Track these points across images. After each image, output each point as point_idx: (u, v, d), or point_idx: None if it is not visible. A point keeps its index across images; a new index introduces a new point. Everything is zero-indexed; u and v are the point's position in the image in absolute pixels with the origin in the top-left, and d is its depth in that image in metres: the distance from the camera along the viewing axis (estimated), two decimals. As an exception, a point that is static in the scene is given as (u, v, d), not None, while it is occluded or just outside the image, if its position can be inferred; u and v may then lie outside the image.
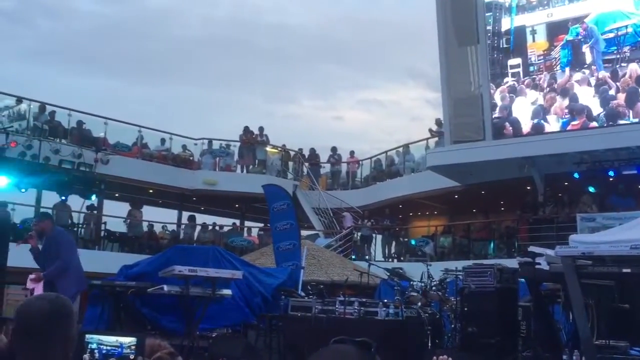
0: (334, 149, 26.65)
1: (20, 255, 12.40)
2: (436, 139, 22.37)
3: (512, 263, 10.12)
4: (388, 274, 11.86)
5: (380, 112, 58.75)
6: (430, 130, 23.10)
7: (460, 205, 23.29)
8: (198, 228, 24.01)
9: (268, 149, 25.58)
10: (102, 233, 22.20)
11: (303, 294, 12.20)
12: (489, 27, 19.08)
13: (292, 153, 26.56)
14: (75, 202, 21.09)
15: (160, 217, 24.66)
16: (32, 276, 8.87)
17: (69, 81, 49.75)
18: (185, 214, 25.44)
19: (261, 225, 25.64)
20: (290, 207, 14.39)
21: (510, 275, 9.26)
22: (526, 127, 18.55)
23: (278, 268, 13.65)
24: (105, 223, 22.30)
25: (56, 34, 51.71)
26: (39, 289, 8.73)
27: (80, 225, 21.62)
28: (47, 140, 19.96)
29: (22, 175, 18.85)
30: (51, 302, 2.73)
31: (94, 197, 21.06)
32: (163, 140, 24.34)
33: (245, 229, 25.27)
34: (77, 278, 9.11)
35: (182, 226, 24.62)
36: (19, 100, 20.40)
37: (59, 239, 9.07)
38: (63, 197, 20.04)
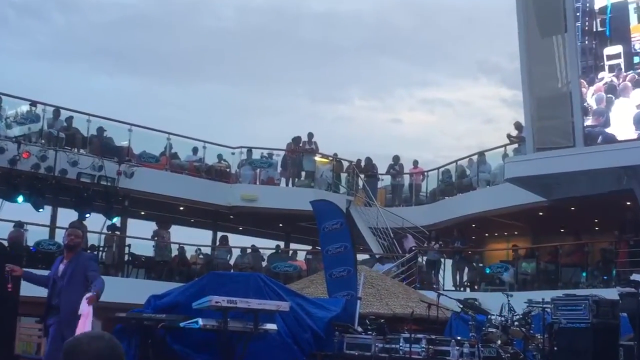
0: (395, 159, 26.66)
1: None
2: (515, 145, 22.16)
3: (611, 294, 9.97)
4: (460, 306, 11.78)
5: (446, 113, 58.44)
6: (509, 136, 22.89)
7: (546, 224, 22.98)
8: (236, 251, 24.22)
9: (317, 158, 25.72)
10: (126, 257, 22.60)
11: (360, 329, 12.19)
12: (578, 4, 17.78)
13: (345, 163, 26.64)
14: (95, 222, 21.53)
15: (192, 239, 25.03)
16: (87, 297, 8.38)
17: (88, 82, 50.73)
18: (220, 235, 25.72)
19: (309, 248, 25.68)
20: (344, 226, 14.40)
21: (609, 308, 9.13)
22: (628, 135, 17.31)
23: (330, 299, 13.67)
24: (129, 245, 22.72)
25: (73, 29, 52.74)
26: (88, 318, 8.64)
27: (101, 248, 22.03)
28: (63, 150, 20.42)
29: (36, 192, 19.33)
30: (108, 344, 2.73)
31: (116, 219, 21.58)
32: (195, 150, 24.66)
33: (291, 252, 25.39)
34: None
35: (217, 249, 24.89)
36: (33, 104, 20.86)
37: (92, 261, 9.07)
38: (85, 215, 20.47)
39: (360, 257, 21.72)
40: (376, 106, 59.85)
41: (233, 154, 25.50)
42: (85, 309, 8.41)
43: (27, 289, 13.64)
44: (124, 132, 22.53)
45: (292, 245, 27.20)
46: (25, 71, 46.09)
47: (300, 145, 25.48)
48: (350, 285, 13.89)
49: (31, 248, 19.67)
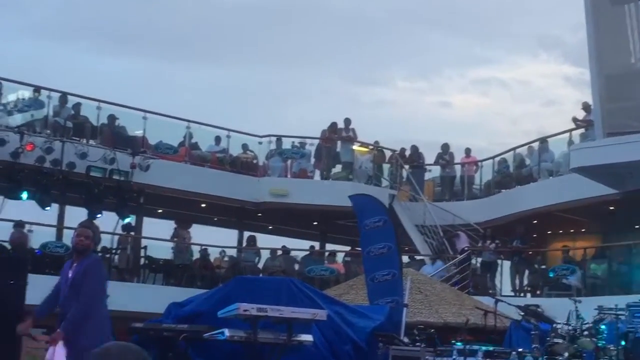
0: (445, 147, 26.53)
1: (39, 289, 12.76)
2: (582, 130, 21.96)
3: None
4: (521, 313, 11.69)
5: (501, 95, 58.13)
6: (575, 119, 22.69)
7: (618, 220, 22.74)
8: (265, 253, 24.28)
9: (355, 147, 25.70)
10: (142, 260, 22.76)
11: (407, 340, 12.16)
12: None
13: (387, 153, 26.60)
14: (107, 221, 21.68)
15: (215, 239, 25.10)
16: (47, 339, 8.61)
17: (93, 63, 51.05)
18: (247, 235, 25.82)
19: (348, 248, 25.68)
20: (387, 224, 14.36)
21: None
22: None
23: (373, 306, 13.65)
24: (145, 247, 22.85)
25: (71, 2, 52.69)
26: (60, 353, 8.65)
27: (114, 251, 22.21)
28: (71, 141, 20.59)
29: (42, 188, 19.51)
30: (137, 356, 2.74)
31: (130, 218, 21.69)
32: (218, 139, 24.77)
33: (327, 253, 25.40)
34: (101, 327, 8.96)
35: (244, 251, 24.97)
36: (36, 89, 21.07)
37: (91, 269, 8.97)
38: (96, 214, 20.62)
39: (406, 258, 21.72)
40: (422, 88, 59.66)
41: (260, 143, 25.57)
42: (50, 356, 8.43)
43: (33, 298, 13.79)
44: (138, 120, 22.65)
45: (329, 246, 27.20)
46: (23, 52, 46.53)
47: (337, 132, 25.46)
48: (395, 291, 13.86)
49: (36, 251, 19.84)
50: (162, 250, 23.35)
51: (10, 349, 11.94)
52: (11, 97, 20.97)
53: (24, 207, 20.01)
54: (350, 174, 25.21)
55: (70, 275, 8.78)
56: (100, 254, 19.90)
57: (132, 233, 22.51)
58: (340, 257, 24.83)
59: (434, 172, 27.01)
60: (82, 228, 9.14)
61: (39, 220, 20.82)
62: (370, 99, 58.68)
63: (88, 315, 8.54)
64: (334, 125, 25.55)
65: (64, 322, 8.49)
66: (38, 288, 13.30)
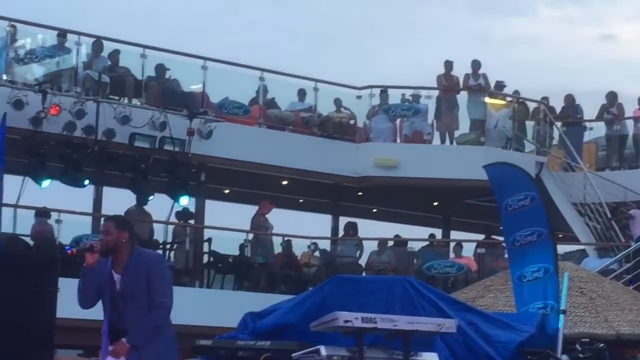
0: (611, 96, 26.15)
1: (72, 297, 12.96)
2: None
3: None
4: None
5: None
6: None
7: None
8: (369, 245, 24.34)
9: (488, 100, 25.51)
10: (206, 258, 22.97)
11: (566, 358, 12.03)
12: None
13: (531, 106, 26.33)
14: (158, 206, 21.90)
15: (302, 228, 25.21)
16: (110, 348, 8.93)
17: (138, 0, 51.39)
18: (345, 221, 25.87)
19: (481, 237, 25.49)
20: (537, 203, 14.17)
21: None
22: None
23: (519, 313, 13.61)
24: (209, 240, 23.00)
25: None
26: None
27: (169, 247, 22.48)
28: (108, 102, 20.80)
29: (72, 165, 19.74)
30: None
31: (187, 200, 21.78)
32: (302, 93, 24.85)
33: (453, 244, 25.25)
34: (173, 340, 9.31)
35: (341, 243, 25.05)
36: (61, 34, 21.25)
37: (155, 268, 9.22)
38: (146, 198, 20.82)
39: (563, 248, 21.43)
40: (575, 17, 58.99)
41: (359, 97, 25.53)
42: None
43: (66, 308, 14.09)
44: (195, 71, 22.74)
45: (455, 234, 27.10)
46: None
47: (454, 80, 25.35)
48: (548, 293, 13.72)
49: (66, 248, 19.96)
50: (231, 243, 23.45)
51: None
52: (29, 45, 21.17)
53: (49, 190, 20.25)
54: (481, 136, 25.03)
55: (117, 282, 9.05)
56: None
57: (192, 221, 22.73)
58: (469, 248, 24.64)
59: (596, 130, 26.66)
60: (105, 222, 9.47)
61: (69, 207, 21.18)
62: (503, 34, 58.16)
63: (159, 329, 8.94)
64: (449, 65, 25.37)
65: (132, 333, 8.85)
66: (70, 296, 13.59)
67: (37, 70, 21.08)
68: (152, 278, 8.99)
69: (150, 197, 21.05)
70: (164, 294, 9.01)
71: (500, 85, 25.88)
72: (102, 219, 21.05)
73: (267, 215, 23.90)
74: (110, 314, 9.17)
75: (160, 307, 8.96)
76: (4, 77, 20.23)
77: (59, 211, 20.51)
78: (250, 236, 23.43)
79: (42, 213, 20.38)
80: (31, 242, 19.68)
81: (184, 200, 21.70)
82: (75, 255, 9.81)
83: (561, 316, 13.35)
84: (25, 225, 20.09)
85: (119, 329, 9.06)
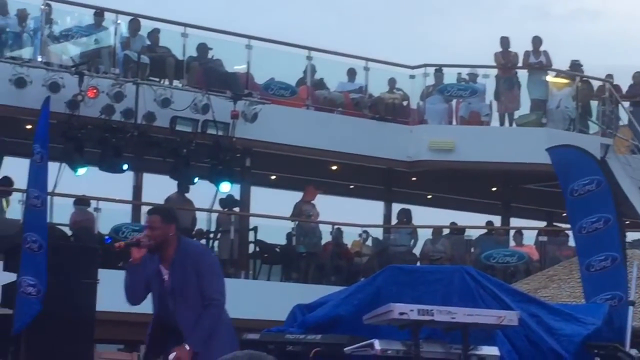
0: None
1: (112, 290, 13.06)
2: None
3: None
4: None
5: None
6: None
7: None
8: (424, 233, 24.35)
9: (550, 78, 25.44)
10: (252, 248, 23.07)
11: (636, 352, 11.98)
12: None
13: (595, 84, 26.18)
14: (201, 193, 21.96)
15: (353, 216, 25.17)
16: (172, 356, 8.97)
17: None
18: (398, 208, 25.88)
19: (543, 224, 25.36)
20: (603, 187, 14.10)
21: None
22: None
23: (584, 305, 13.60)
24: (255, 229, 23.09)
25: None
26: None
27: (212, 236, 22.62)
28: (148, 84, 20.91)
29: (110, 150, 19.84)
30: None
31: (231, 187, 21.78)
32: (352, 73, 24.82)
33: (513, 232, 25.21)
34: (231, 334, 9.38)
35: (394, 231, 25.09)
36: (98, 12, 21.34)
37: (203, 262, 9.24)
38: (187, 185, 20.86)
39: (630, 236, 21.22)
40: (644, -13, 58.17)
41: (413, 77, 25.45)
42: None
43: (106, 301, 14.22)
44: (239, 50, 22.78)
45: (515, 222, 26.97)
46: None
47: (510, 56, 25.22)
48: (617, 283, 13.66)
49: (105, 238, 20.11)
50: (278, 232, 23.55)
51: (82, 358, 12.37)
52: (64, 24, 21.26)
53: (87, 177, 20.38)
54: (543, 116, 24.91)
55: (165, 277, 9.10)
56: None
57: (237, 209, 22.80)
58: (530, 236, 24.61)
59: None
60: (150, 216, 9.47)
61: (108, 195, 21.32)
62: (564, 8, 57.71)
63: (216, 326, 9.06)
64: (505, 42, 25.27)
65: (190, 338, 8.94)
66: (110, 288, 13.73)
67: (73, 50, 21.16)
68: (201, 273, 9.06)
69: (195, 180, 21.02)
70: (214, 290, 9.08)
71: (576, 65, 25.72)
72: (143, 207, 21.40)
73: (313, 202, 23.95)
74: (159, 310, 9.25)
75: (212, 305, 9.04)
76: (39, 58, 20.38)
77: (98, 199, 20.63)
78: (296, 224, 23.58)
79: (82, 201, 20.53)
80: (69, 232, 19.83)
81: (225, 187, 21.59)
82: (122, 250, 9.82)
83: (630, 308, 13.28)
84: (62, 214, 20.18)
85: (169, 326, 9.16)
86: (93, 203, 20.60)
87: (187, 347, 8.90)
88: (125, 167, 20.53)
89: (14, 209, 19.57)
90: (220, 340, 9.08)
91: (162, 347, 9.22)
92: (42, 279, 13.22)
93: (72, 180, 20.44)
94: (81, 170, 19.88)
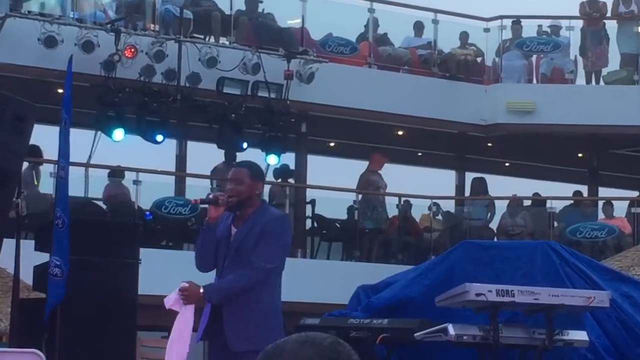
0: None
1: (153, 271, 13.11)
2: None
3: None
4: None
5: None
6: None
7: None
8: (501, 205, 24.31)
9: (643, 30, 25.20)
10: (309, 223, 23.17)
11: None
12: None
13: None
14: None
15: (422, 187, 25.13)
16: (183, 285, 9.05)
17: None
18: (472, 177, 25.89)
19: (635, 194, 25.23)
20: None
21: None
22: None
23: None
24: (312, 202, 23.12)
25: None
26: (185, 319, 9.04)
27: (265, 209, 22.59)
28: (191, 41, 20.93)
29: (151, 116, 19.89)
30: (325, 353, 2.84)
31: (272, 157, 21.75)
32: (419, 27, 24.76)
33: (601, 203, 25.07)
34: (278, 317, 9.33)
35: (467, 204, 25.05)
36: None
37: (271, 227, 9.18)
38: (234, 153, 20.86)
39: None
40: None
41: (487, 30, 25.42)
42: (171, 304, 9.04)
43: (148, 285, 14.30)
44: (293, 3, 22.84)
45: (603, 192, 26.86)
46: None
47: (601, 7, 25.05)
48: None
49: (146, 214, 20.28)
50: (338, 206, 23.59)
51: (123, 347, 12.45)
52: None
53: (126, 147, 20.55)
54: (635, 73, 24.76)
55: (233, 236, 9.10)
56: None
57: (291, 180, 22.95)
58: (621, 207, 24.51)
59: None
60: (235, 168, 9.46)
61: (148, 166, 21.44)
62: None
63: (251, 300, 9.01)
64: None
65: (213, 285, 9.06)
66: (152, 269, 13.85)
67: (108, 5, 21.20)
68: (264, 236, 9.05)
69: (245, 146, 20.90)
70: (263, 257, 9.03)
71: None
72: (187, 179, 21.55)
73: (379, 172, 23.92)
74: (220, 271, 9.26)
75: (252, 268, 9.00)
76: (71, 14, 20.43)
77: (137, 170, 20.69)
78: (361, 197, 23.56)
79: (116, 173, 20.66)
80: (104, 207, 20.01)
81: (272, 159, 21.40)
82: (198, 204, 9.92)
83: None
84: (98, 187, 20.35)
85: None
86: (132, 175, 20.67)
87: (201, 290, 8.95)
88: (167, 136, 20.58)
89: (45, 183, 19.64)
90: (253, 314, 9.00)
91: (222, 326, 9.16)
92: (65, 258, 13.24)
93: (109, 151, 20.59)
94: (118, 134, 19.77)
